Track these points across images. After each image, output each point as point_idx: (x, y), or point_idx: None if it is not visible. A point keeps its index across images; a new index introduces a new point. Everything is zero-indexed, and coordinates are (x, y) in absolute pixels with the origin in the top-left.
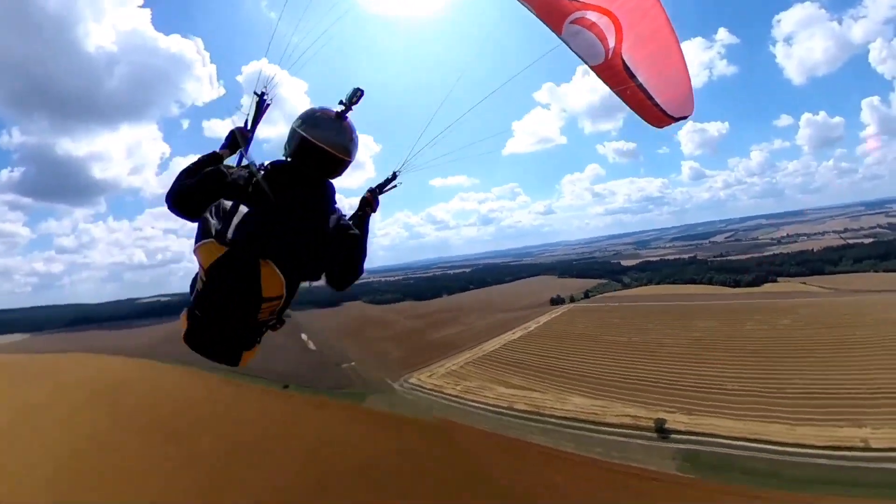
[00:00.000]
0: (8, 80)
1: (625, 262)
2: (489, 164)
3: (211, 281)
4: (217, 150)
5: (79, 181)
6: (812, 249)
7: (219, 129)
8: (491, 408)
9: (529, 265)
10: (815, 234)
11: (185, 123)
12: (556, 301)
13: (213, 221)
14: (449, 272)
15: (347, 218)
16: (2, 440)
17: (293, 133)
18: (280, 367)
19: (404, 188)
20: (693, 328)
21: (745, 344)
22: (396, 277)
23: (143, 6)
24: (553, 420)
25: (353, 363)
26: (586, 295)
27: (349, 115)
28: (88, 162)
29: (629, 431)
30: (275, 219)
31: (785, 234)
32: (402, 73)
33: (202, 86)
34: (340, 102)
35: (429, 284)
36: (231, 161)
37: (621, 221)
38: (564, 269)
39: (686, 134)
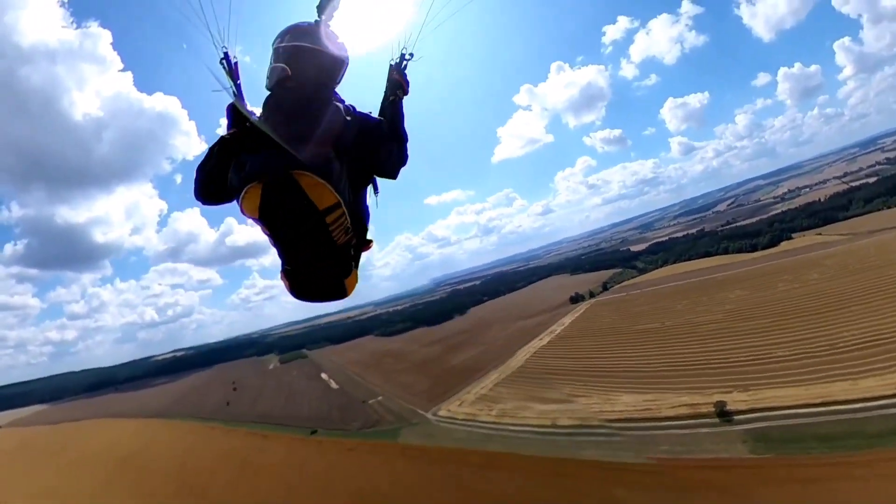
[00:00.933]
0: (1, 157)
1: (634, 248)
2: (481, 174)
3: (271, 226)
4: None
5: (82, 247)
6: (819, 199)
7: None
8: (534, 429)
9: (539, 267)
10: (816, 184)
11: (179, 178)
12: (576, 299)
13: (234, 177)
14: (459, 288)
15: (370, 111)
16: None
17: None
18: (304, 411)
19: (400, 210)
20: (724, 301)
21: (781, 307)
22: (403, 306)
23: (123, 70)
24: (605, 428)
25: (379, 398)
26: (605, 287)
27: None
28: (89, 227)
29: (690, 422)
30: (278, 126)
31: (786, 190)
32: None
33: (191, 139)
34: (318, 8)
35: (438, 307)
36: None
37: (621, 208)
38: (575, 265)
39: (669, 111)
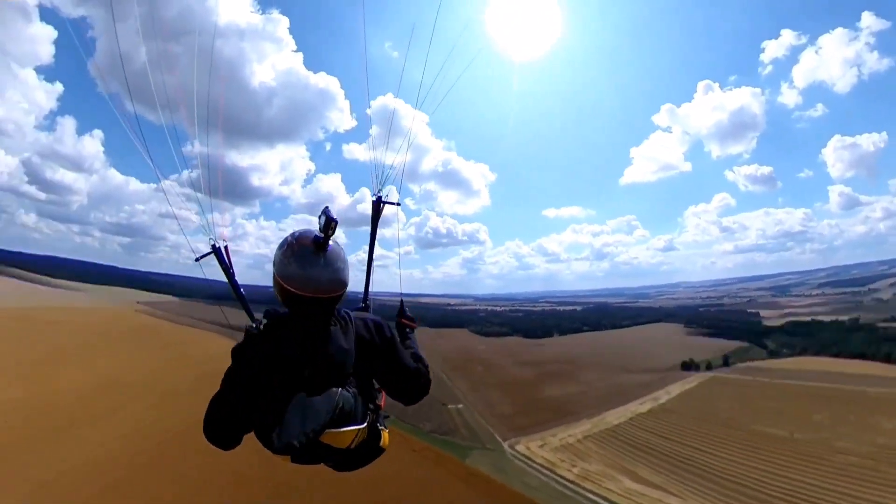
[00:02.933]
0: (192, 105)
1: (766, 317)
2: (606, 195)
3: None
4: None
5: (240, 185)
6: None
7: (356, 153)
8: None
9: (648, 308)
10: None
11: (328, 146)
12: (689, 366)
13: (265, 428)
14: (558, 308)
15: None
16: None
17: (273, 276)
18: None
19: (518, 217)
20: (876, 428)
21: None
22: (504, 308)
23: (296, 51)
24: None
25: (460, 406)
26: (725, 362)
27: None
28: (249, 171)
29: None
30: (286, 386)
31: None
32: (513, 105)
33: (343, 115)
34: (320, 230)
35: (539, 320)
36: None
37: (754, 261)
38: (691, 317)
39: (834, 151)
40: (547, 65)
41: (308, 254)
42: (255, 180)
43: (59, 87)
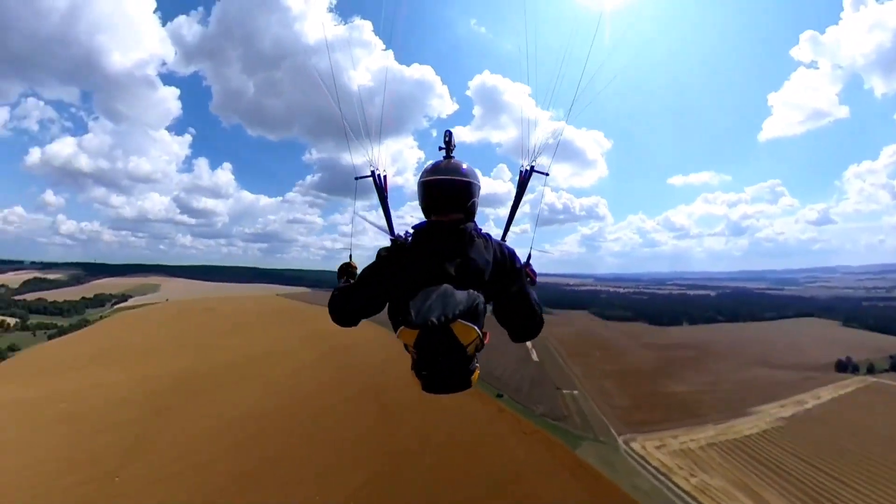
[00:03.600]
0: (305, 121)
1: None
2: (742, 155)
3: (420, 352)
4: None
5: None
6: None
7: (461, 135)
8: None
9: (796, 298)
10: None
11: (434, 132)
12: (846, 366)
13: (393, 318)
14: (688, 293)
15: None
16: (244, 368)
17: (419, 187)
18: (497, 371)
19: (640, 187)
20: None
21: None
22: (627, 290)
23: (385, 49)
24: None
25: (574, 392)
26: (894, 366)
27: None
28: (363, 168)
29: None
30: (435, 279)
31: None
32: (624, 66)
33: (444, 101)
34: (440, 148)
35: (665, 305)
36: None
37: None
38: (851, 312)
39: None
40: (647, 5)
41: (436, 164)
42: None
43: (188, 138)
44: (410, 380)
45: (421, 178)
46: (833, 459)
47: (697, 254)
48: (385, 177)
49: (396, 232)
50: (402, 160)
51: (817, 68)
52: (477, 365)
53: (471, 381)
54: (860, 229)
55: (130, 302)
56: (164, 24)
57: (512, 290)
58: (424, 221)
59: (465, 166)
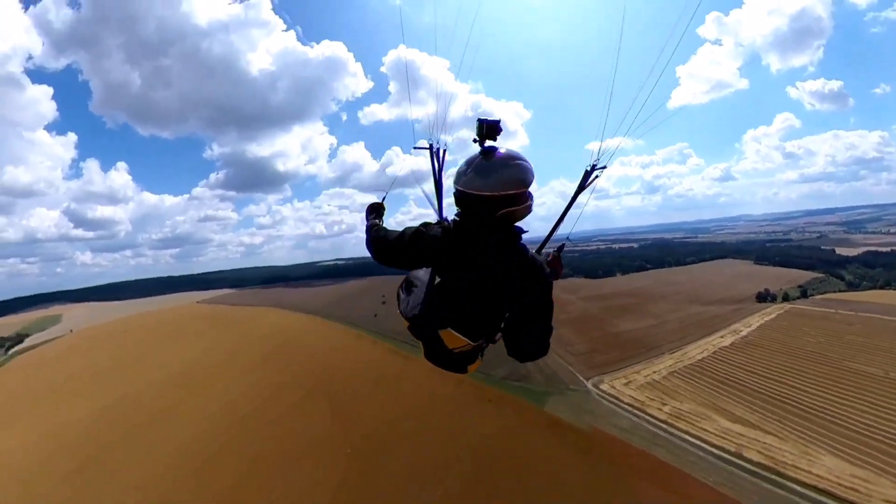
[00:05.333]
0: (202, 111)
1: (840, 251)
2: (653, 121)
3: (411, 334)
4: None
5: (267, 175)
6: None
7: (378, 113)
8: (713, 449)
9: (709, 244)
10: None
11: (344, 116)
12: (764, 297)
13: (403, 296)
14: (613, 247)
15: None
16: (181, 379)
17: (456, 196)
18: None
19: (558, 153)
20: None
21: None
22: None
23: (286, 29)
24: (798, 488)
25: None
26: (804, 294)
27: (496, 144)
28: (273, 159)
29: None
30: (452, 292)
31: None
32: (541, 35)
33: (358, 78)
34: (475, 141)
35: (598, 260)
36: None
37: (822, 192)
38: (759, 252)
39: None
40: None
41: (478, 162)
42: (280, 166)
43: (72, 137)
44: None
45: (458, 175)
46: (779, 372)
47: (617, 212)
48: (445, 151)
49: (445, 215)
50: (312, 148)
51: (721, 45)
52: (480, 358)
53: (466, 368)
54: (758, 184)
55: (28, 342)
56: (25, 10)
57: (531, 307)
58: (467, 214)
59: (516, 164)
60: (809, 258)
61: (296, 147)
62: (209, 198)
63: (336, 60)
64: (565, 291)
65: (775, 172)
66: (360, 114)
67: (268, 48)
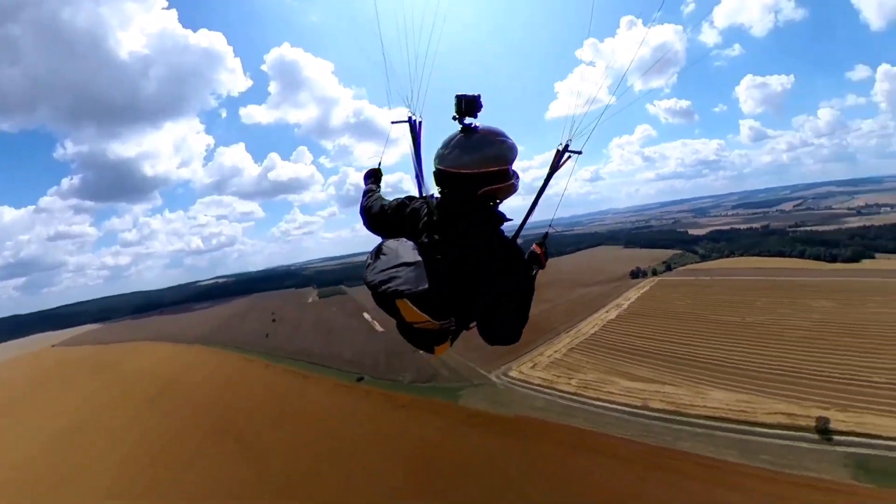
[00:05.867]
0: (56, 98)
1: (691, 232)
2: (532, 130)
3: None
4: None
5: (133, 180)
6: None
7: (257, 115)
8: (622, 407)
9: (585, 234)
10: None
11: (224, 113)
12: (636, 274)
13: (370, 262)
14: None
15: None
16: (63, 445)
17: (441, 175)
18: (348, 353)
19: None
20: (808, 308)
21: (873, 329)
22: None
23: (167, 7)
24: (699, 422)
25: None
26: (668, 267)
27: (476, 122)
28: (139, 161)
29: (789, 433)
30: (419, 263)
31: (863, 204)
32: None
33: (236, 77)
34: (454, 118)
35: None
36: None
37: (674, 187)
38: (627, 238)
39: (746, 90)
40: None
41: (457, 139)
42: (149, 169)
43: None
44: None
45: (438, 153)
46: (662, 332)
47: (500, 208)
48: (421, 123)
49: (427, 190)
50: (186, 149)
51: (595, 66)
52: (450, 341)
53: (433, 349)
54: (622, 183)
55: None
56: None
57: (506, 294)
58: (450, 193)
59: (497, 140)
60: (669, 239)
61: (167, 147)
62: (61, 209)
63: (213, 53)
64: None
65: (636, 173)
66: (242, 111)
67: (143, 27)
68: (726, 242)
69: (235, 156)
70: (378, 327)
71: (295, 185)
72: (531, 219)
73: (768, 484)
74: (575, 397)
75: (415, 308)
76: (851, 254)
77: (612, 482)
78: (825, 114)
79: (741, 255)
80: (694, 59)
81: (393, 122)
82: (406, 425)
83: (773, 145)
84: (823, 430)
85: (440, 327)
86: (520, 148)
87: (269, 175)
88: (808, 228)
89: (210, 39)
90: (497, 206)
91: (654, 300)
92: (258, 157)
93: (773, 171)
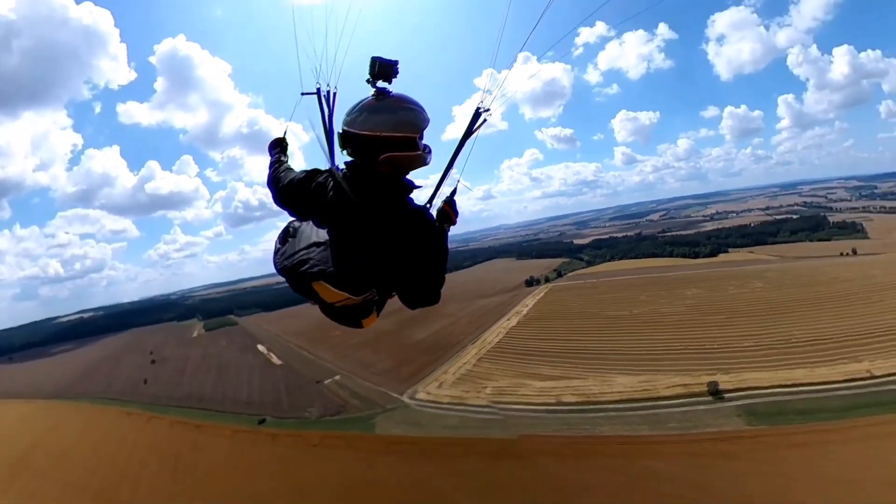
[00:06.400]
0: None
1: (577, 242)
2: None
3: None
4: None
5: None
6: (750, 224)
7: (138, 115)
8: (540, 407)
9: (480, 249)
10: (741, 211)
11: (98, 107)
12: (532, 282)
13: (278, 246)
14: None
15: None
16: None
17: (348, 137)
18: (244, 393)
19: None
20: (683, 297)
21: (735, 306)
22: None
23: None
24: (611, 406)
25: (337, 377)
26: (559, 274)
27: (390, 88)
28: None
29: (687, 400)
30: (329, 244)
31: (714, 212)
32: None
33: (119, 66)
34: (368, 82)
35: None
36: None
37: (558, 204)
38: (519, 251)
39: (620, 122)
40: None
41: (367, 101)
42: None
43: None
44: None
45: (351, 118)
46: (562, 332)
47: None
48: (335, 94)
49: (336, 163)
50: (46, 147)
51: (491, 94)
52: (375, 312)
53: (361, 323)
54: (512, 201)
55: None
56: None
57: (418, 260)
58: (358, 164)
59: (410, 106)
60: (557, 249)
61: (23, 143)
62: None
63: (95, 34)
64: None
65: (524, 192)
66: (120, 108)
67: None
68: (607, 249)
69: (108, 161)
70: (275, 360)
71: (177, 200)
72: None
73: (681, 445)
74: (490, 407)
75: (332, 288)
76: (710, 250)
77: (551, 482)
78: (683, 143)
79: (621, 258)
80: (578, 94)
81: (303, 94)
82: (322, 467)
83: (641, 168)
84: (715, 392)
85: (362, 300)
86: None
87: (147, 187)
88: (674, 233)
89: (94, 16)
90: (405, 175)
91: (551, 304)
92: (135, 164)
93: (642, 188)
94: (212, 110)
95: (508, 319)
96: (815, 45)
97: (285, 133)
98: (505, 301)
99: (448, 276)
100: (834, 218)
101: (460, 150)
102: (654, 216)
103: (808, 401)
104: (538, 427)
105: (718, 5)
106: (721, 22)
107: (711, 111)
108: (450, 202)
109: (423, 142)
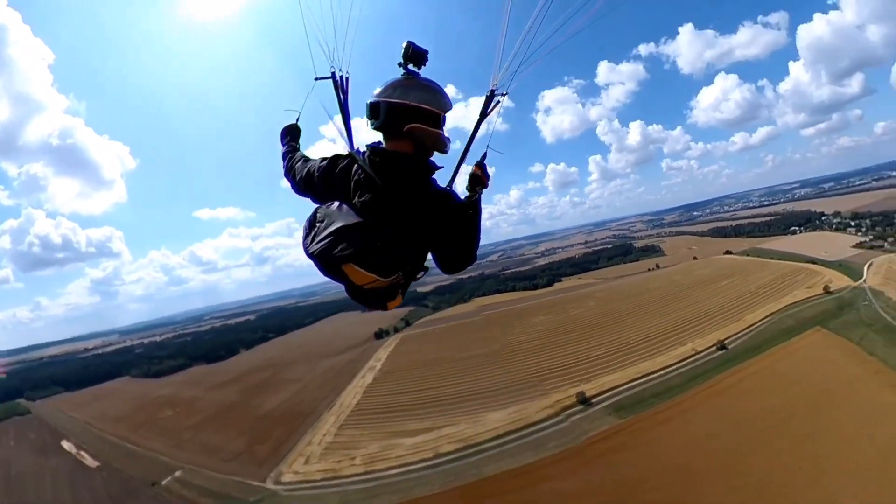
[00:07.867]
0: None
1: (420, 289)
2: (265, 197)
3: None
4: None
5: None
6: (575, 256)
7: None
8: (419, 464)
9: (323, 304)
10: (566, 246)
11: None
12: (381, 334)
13: (307, 231)
14: (229, 322)
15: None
16: None
17: (378, 106)
18: None
19: (164, 218)
20: (533, 324)
21: (578, 324)
22: (165, 336)
23: None
24: (490, 444)
25: (177, 474)
26: (407, 323)
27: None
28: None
29: (561, 416)
30: (357, 226)
31: (544, 248)
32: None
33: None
34: (400, 65)
35: (217, 339)
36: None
37: None
38: (351, 306)
39: (461, 176)
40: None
41: (399, 79)
42: None
43: None
44: None
45: (388, 91)
46: (421, 382)
47: (227, 285)
48: (347, 79)
49: (356, 146)
50: None
51: (335, 143)
52: (401, 295)
53: (386, 305)
54: None
55: None
56: None
57: (449, 235)
58: (380, 145)
59: (436, 86)
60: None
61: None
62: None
63: None
64: (188, 387)
65: None
66: None
67: None
68: (450, 294)
69: None
70: (89, 460)
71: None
72: None
73: (571, 459)
74: (368, 476)
75: (362, 270)
76: (546, 281)
77: None
78: (515, 193)
79: (468, 299)
80: None
81: (317, 79)
82: None
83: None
84: (584, 401)
85: (390, 283)
86: (248, 215)
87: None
88: (513, 270)
89: None
90: (427, 157)
91: (404, 354)
92: None
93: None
94: (15, 106)
95: (363, 377)
96: (616, 120)
97: (297, 120)
98: (356, 357)
99: (289, 337)
100: (638, 244)
101: (476, 133)
102: (494, 257)
103: (659, 384)
104: (425, 486)
105: (547, 84)
106: (549, 97)
107: (537, 167)
108: (481, 165)
109: (445, 128)
